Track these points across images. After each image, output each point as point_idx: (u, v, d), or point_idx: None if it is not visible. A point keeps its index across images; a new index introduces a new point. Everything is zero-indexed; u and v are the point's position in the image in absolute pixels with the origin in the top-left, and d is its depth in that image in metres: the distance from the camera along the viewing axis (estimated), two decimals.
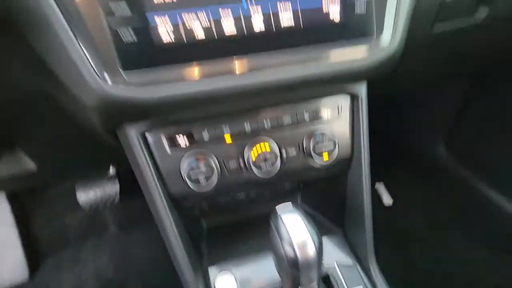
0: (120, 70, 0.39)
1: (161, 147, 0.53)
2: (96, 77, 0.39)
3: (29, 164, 0.73)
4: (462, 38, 0.66)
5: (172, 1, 0.39)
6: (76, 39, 0.37)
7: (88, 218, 1.46)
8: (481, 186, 1.14)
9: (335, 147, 0.57)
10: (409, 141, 1.47)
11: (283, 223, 0.41)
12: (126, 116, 0.47)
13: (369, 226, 0.63)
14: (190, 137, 0.53)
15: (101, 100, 0.41)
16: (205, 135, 0.53)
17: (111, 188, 1.38)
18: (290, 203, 0.44)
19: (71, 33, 0.37)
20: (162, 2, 0.39)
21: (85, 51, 0.38)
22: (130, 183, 1.13)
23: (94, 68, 0.38)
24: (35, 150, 0.69)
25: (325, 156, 0.58)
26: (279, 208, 0.43)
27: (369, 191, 0.61)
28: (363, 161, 0.60)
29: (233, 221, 0.77)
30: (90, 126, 0.53)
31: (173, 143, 0.53)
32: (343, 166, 0.62)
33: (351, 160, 0.61)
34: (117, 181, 1.37)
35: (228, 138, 0.54)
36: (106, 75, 0.39)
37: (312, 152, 0.57)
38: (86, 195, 1.34)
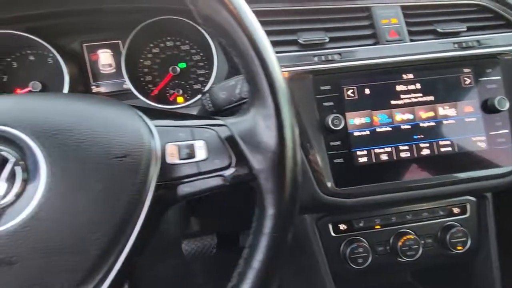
0: (334, 186, 0.58)
1: (327, 231, 0.69)
2: (316, 188, 0.58)
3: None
4: None
5: (368, 143, 0.59)
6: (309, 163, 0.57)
7: (180, 266, 1.62)
8: None
9: (467, 239, 0.69)
10: None
11: None
12: (319, 211, 0.65)
13: None
14: (350, 225, 0.69)
15: (312, 202, 0.59)
16: (361, 224, 0.69)
17: (210, 241, 1.56)
18: None
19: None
20: (362, 142, 0.59)
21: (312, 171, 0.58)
22: (226, 240, 1.31)
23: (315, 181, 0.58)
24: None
25: (458, 247, 0.70)
26: None
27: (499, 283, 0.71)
28: (492, 252, 0.71)
29: None
30: None
31: (336, 228, 0.69)
32: (472, 257, 0.73)
33: (480, 251, 0.72)
34: (215, 235, 1.56)
35: (378, 227, 0.70)
36: (320, 188, 0.58)
37: (447, 243, 0.69)
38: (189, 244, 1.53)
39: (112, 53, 0.73)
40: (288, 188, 0.33)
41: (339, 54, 0.60)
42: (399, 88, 0.61)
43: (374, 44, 0.63)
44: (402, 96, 0.61)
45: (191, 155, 0.34)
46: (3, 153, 0.28)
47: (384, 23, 0.63)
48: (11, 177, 0.28)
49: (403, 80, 0.61)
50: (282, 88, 0.33)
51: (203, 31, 0.66)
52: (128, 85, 0.73)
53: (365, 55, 0.61)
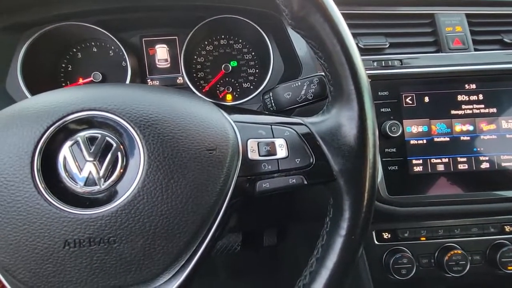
0: (386, 193, 0.57)
1: (369, 239, 0.68)
2: None
3: None
4: None
5: (424, 152, 0.58)
6: None
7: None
8: None
9: None
10: None
11: None
12: None
13: None
14: (394, 234, 0.68)
15: None
16: (406, 234, 0.68)
17: (235, 238, 1.58)
18: None
19: None
20: (418, 151, 0.58)
21: None
22: (250, 238, 1.31)
23: None
24: None
25: (509, 267, 0.67)
26: None
27: None
28: None
29: None
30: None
31: (380, 237, 0.68)
32: None
33: None
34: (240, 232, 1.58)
35: (423, 239, 0.68)
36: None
37: (497, 262, 0.66)
38: None
39: (168, 49, 0.75)
40: (367, 191, 0.33)
41: (400, 60, 0.60)
42: (460, 98, 0.59)
43: (436, 51, 0.61)
44: (463, 106, 0.59)
45: (271, 152, 0.34)
46: (108, 138, 0.30)
47: (448, 31, 0.61)
48: (114, 162, 0.30)
49: (465, 90, 0.59)
50: (368, 92, 0.33)
51: (263, 32, 0.67)
52: (183, 80, 0.75)
53: (427, 62, 0.60)
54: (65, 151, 0.29)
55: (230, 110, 0.38)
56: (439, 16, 0.62)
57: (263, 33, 0.67)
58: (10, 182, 0.27)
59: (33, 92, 0.63)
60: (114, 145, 0.30)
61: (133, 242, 0.28)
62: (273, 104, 0.51)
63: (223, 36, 0.76)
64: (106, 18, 0.67)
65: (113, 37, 0.66)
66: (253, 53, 0.77)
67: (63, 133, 0.29)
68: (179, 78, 0.76)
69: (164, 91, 0.35)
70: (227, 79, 0.77)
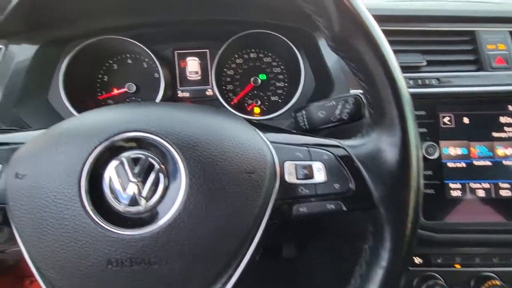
0: (422, 218, 0.55)
1: None
2: None
3: None
4: None
5: (463, 176, 0.55)
6: None
7: None
8: None
9: None
10: None
11: None
12: None
13: None
14: (426, 259, 0.65)
15: None
16: (439, 260, 0.64)
17: None
18: None
19: None
20: (456, 174, 0.55)
21: None
22: (269, 248, 1.28)
23: None
24: None
25: None
26: None
27: None
28: None
29: None
30: None
31: (411, 262, 0.65)
32: None
33: None
34: None
35: (458, 266, 0.64)
36: None
37: None
38: None
39: (199, 61, 0.77)
40: (411, 221, 0.31)
41: (437, 79, 0.57)
42: (503, 120, 0.56)
43: (477, 70, 0.59)
44: (506, 128, 0.56)
45: (309, 175, 0.34)
46: (150, 159, 0.30)
47: (490, 49, 0.59)
48: (156, 183, 0.30)
49: (508, 112, 0.56)
50: (413, 117, 0.32)
51: (294, 48, 0.67)
52: (212, 92, 0.77)
53: (466, 81, 0.57)
54: (110, 170, 0.30)
55: (265, 128, 0.38)
56: (481, 34, 0.60)
57: (294, 48, 0.67)
58: (59, 200, 0.28)
59: (73, 102, 0.66)
60: (157, 166, 0.30)
61: (173, 263, 0.28)
62: (305, 123, 0.50)
63: (252, 50, 0.77)
64: (142, 32, 0.69)
65: (147, 50, 0.68)
66: (282, 67, 0.77)
67: (109, 153, 0.30)
68: (208, 90, 0.77)
69: (205, 112, 0.35)
70: (255, 92, 0.78)
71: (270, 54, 0.77)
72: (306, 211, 0.34)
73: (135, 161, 0.30)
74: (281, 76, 0.78)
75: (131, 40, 0.68)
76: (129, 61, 0.75)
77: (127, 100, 0.75)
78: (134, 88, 0.74)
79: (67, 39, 0.64)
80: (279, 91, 0.78)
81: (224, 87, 0.77)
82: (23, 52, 0.59)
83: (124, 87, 0.74)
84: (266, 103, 0.78)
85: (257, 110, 0.78)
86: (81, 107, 0.67)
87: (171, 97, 0.75)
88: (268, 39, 0.71)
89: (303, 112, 0.51)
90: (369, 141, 0.35)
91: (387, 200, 0.32)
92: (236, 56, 0.77)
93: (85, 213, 0.28)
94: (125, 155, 0.30)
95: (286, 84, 0.78)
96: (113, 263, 0.28)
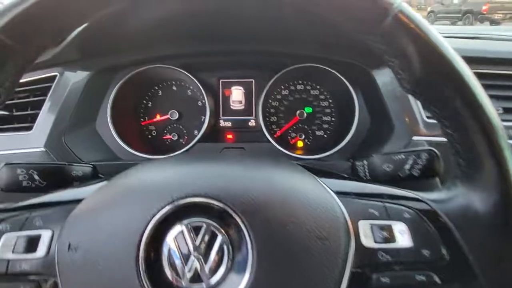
0: None
1: None
2: None
3: None
4: None
5: None
6: None
7: None
8: None
9: None
10: None
11: None
12: None
13: None
14: None
15: None
16: None
17: None
18: None
19: None
20: None
21: None
22: None
23: None
24: None
25: None
26: None
27: None
28: None
29: None
30: None
31: None
32: None
33: None
34: None
35: None
36: None
37: None
38: None
39: (244, 91, 0.74)
40: None
41: None
42: None
43: None
44: None
45: (389, 238, 0.29)
46: (212, 228, 0.27)
47: None
48: (219, 255, 0.27)
49: None
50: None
51: (349, 84, 0.63)
52: (255, 123, 0.74)
53: None
54: (169, 241, 0.27)
55: (325, 175, 0.34)
56: None
57: (348, 85, 0.63)
58: (115, 279, 0.25)
59: (117, 129, 0.65)
60: (220, 237, 0.27)
61: None
62: (367, 174, 0.46)
63: (300, 81, 0.74)
64: (189, 61, 0.68)
65: (194, 79, 0.67)
66: (330, 101, 0.73)
67: (168, 221, 0.27)
68: (251, 120, 0.75)
69: (266, 167, 0.32)
70: (300, 125, 0.74)
71: (318, 87, 0.73)
72: (389, 282, 0.28)
73: (196, 230, 0.27)
74: (328, 110, 0.74)
75: (179, 69, 0.67)
76: (174, 88, 0.74)
77: (169, 127, 0.74)
78: (176, 115, 0.73)
79: (118, 67, 0.64)
80: (325, 126, 0.74)
81: (268, 119, 0.74)
82: (76, 80, 0.59)
83: (167, 113, 0.73)
84: (311, 137, 0.74)
85: (300, 144, 0.74)
86: (124, 133, 0.66)
87: (213, 126, 0.74)
88: (319, 73, 0.67)
89: (365, 162, 0.46)
90: (458, 195, 0.29)
91: (489, 271, 0.27)
92: (282, 87, 0.74)
93: None
94: (185, 223, 0.27)
95: (333, 119, 0.73)
96: None
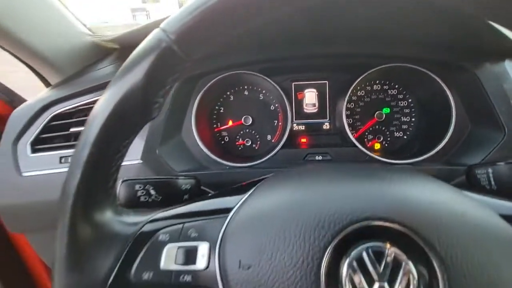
0: None
1: None
2: None
3: None
4: None
5: None
6: None
7: None
8: None
9: None
10: None
11: None
12: None
13: None
14: None
15: None
16: None
17: None
18: None
19: None
20: None
21: None
22: None
23: None
24: None
25: None
26: None
27: None
28: None
29: None
30: None
31: None
32: None
33: None
34: None
35: None
36: None
37: None
38: None
39: (317, 93, 0.72)
40: None
41: None
42: None
43: None
44: None
45: None
46: (395, 255, 0.25)
47: None
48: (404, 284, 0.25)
49: None
50: None
51: (443, 84, 0.59)
52: (329, 126, 0.72)
53: None
54: (348, 267, 0.25)
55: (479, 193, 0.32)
56: None
57: (443, 84, 0.60)
58: None
59: (200, 137, 0.65)
60: (406, 265, 0.25)
61: None
62: (492, 183, 0.43)
63: (377, 82, 0.71)
64: (265, 65, 0.67)
65: (273, 83, 0.66)
66: (409, 100, 0.70)
67: (344, 245, 0.26)
68: (325, 124, 0.73)
69: (440, 187, 0.30)
70: (377, 126, 0.72)
71: (396, 86, 0.70)
72: None
73: (376, 256, 0.26)
74: (407, 110, 0.71)
75: (259, 75, 0.66)
76: (246, 93, 0.73)
77: (241, 132, 0.74)
78: (250, 120, 0.72)
79: (199, 76, 0.64)
80: (404, 126, 0.71)
81: (343, 121, 0.72)
82: None
83: (239, 119, 0.73)
84: (389, 139, 0.71)
85: (377, 146, 0.72)
86: (204, 141, 0.66)
87: (286, 130, 0.72)
88: (404, 73, 0.64)
89: (489, 170, 0.43)
90: None
91: None
92: (358, 88, 0.71)
93: None
94: (363, 248, 0.26)
95: (413, 119, 0.70)
96: None
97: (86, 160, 0.27)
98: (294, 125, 0.74)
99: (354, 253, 0.26)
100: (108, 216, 0.30)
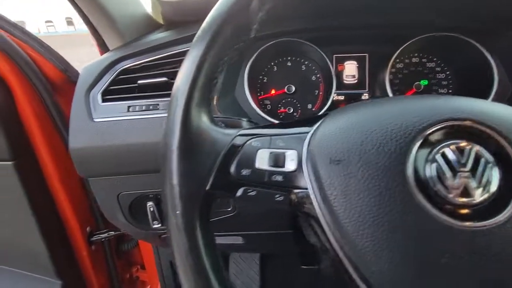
0: None
1: None
2: None
3: None
4: None
5: None
6: None
7: None
8: None
9: None
10: None
11: None
12: None
13: None
14: None
15: None
16: None
17: None
18: None
19: None
20: None
21: None
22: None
23: None
24: None
25: None
26: None
27: None
28: None
29: None
30: None
31: None
32: None
33: None
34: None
35: None
36: None
37: None
38: None
39: (357, 65, 0.76)
40: None
41: None
42: None
43: None
44: None
45: None
46: (478, 150, 0.28)
47: None
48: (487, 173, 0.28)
49: None
50: None
51: (486, 52, 0.62)
52: (368, 96, 0.76)
53: None
54: (436, 158, 0.29)
55: None
56: None
57: (485, 52, 0.62)
58: (382, 188, 0.28)
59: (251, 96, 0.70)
60: (487, 158, 0.29)
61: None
62: None
63: (415, 54, 0.75)
64: (310, 35, 0.72)
65: (322, 52, 0.70)
66: (447, 72, 0.73)
67: (428, 143, 0.30)
68: (364, 94, 0.76)
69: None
70: None
71: (435, 59, 0.74)
72: None
73: (460, 151, 0.29)
74: (444, 82, 0.73)
75: (308, 43, 0.70)
76: (289, 64, 0.78)
77: (283, 101, 0.78)
78: (293, 89, 0.76)
79: (256, 39, 0.68)
80: None
81: (382, 93, 0.76)
82: None
83: (282, 88, 0.77)
84: None
85: None
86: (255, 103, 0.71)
87: (326, 100, 0.76)
88: (442, 43, 0.68)
89: None
90: None
91: None
92: (397, 60, 0.75)
93: (419, 205, 0.27)
94: (447, 144, 0.29)
95: (450, 91, 0.73)
96: (449, 257, 0.27)
97: (197, 65, 0.32)
98: (334, 95, 0.77)
99: (439, 147, 0.29)
100: (207, 123, 0.35)
